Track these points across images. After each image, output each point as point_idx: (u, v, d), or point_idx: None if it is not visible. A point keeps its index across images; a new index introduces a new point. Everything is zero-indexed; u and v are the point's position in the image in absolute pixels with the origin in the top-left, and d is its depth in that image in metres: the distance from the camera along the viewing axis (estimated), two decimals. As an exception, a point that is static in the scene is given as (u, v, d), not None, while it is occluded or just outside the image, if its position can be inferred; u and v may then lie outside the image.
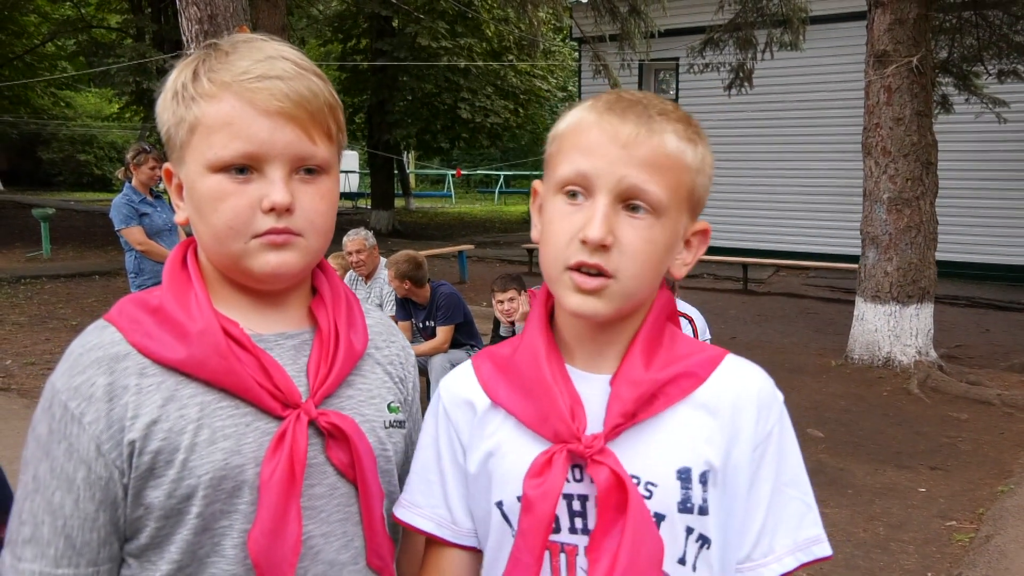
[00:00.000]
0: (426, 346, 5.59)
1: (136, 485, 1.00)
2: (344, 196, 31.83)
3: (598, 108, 1.05)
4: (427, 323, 5.77)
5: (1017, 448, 5.60)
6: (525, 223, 23.72)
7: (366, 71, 19.81)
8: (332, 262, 6.72)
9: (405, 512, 1.17)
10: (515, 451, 1.08)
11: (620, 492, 1.00)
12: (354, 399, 1.12)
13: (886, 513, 4.53)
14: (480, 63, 18.72)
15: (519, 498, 1.05)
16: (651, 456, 1.05)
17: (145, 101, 20.02)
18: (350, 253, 6.31)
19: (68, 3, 21.46)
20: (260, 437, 1.02)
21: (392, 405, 1.17)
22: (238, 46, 1.04)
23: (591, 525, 1.04)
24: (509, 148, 29.49)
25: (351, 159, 33.94)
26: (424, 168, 35.10)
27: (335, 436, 1.06)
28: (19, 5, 18.98)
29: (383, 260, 6.25)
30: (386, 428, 1.15)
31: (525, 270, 13.03)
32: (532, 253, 14.02)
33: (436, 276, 5.89)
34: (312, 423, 1.04)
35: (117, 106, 27.07)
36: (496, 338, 5.56)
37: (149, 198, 6.04)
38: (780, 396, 1.13)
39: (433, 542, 1.17)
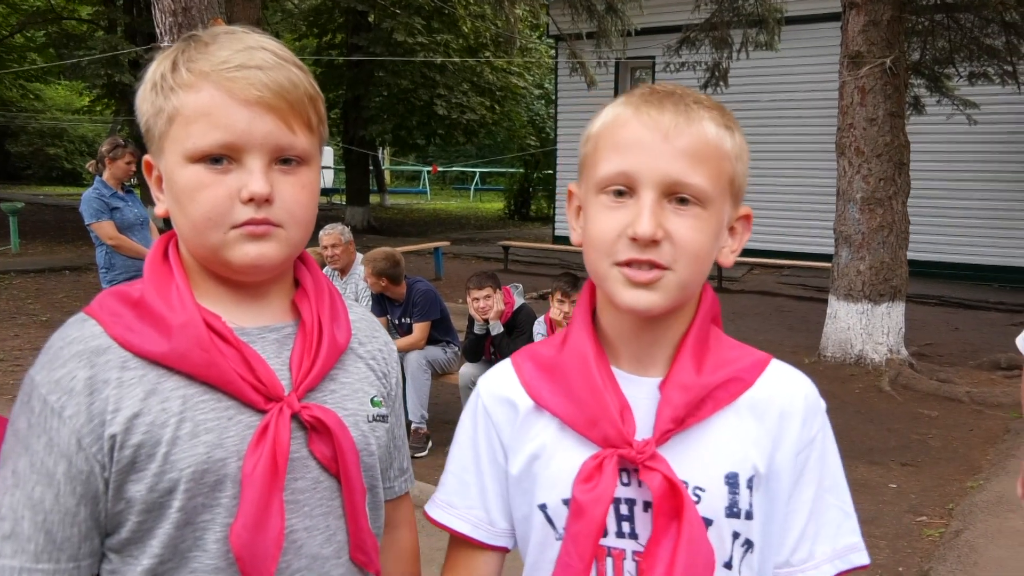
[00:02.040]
0: (402, 342, 5.57)
1: (117, 479, 0.99)
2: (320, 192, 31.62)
3: (633, 102, 1.05)
4: (403, 320, 5.75)
5: (986, 444, 5.68)
6: (501, 220, 23.72)
7: (341, 66, 19.69)
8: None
9: (441, 513, 1.18)
10: (561, 454, 1.08)
11: (674, 498, 1.01)
12: (337, 393, 1.11)
13: (858, 509, 4.52)
14: (456, 59, 18.69)
15: (565, 501, 1.06)
16: (700, 461, 1.05)
17: (117, 94, 19.80)
18: (325, 247, 6.27)
19: (38, -6, 21.16)
20: (243, 430, 1.01)
21: (375, 399, 1.16)
22: (218, 37, 1.03)
23: (638, 529, 1.05)
24: (485, 145, 29.46)
25: (326, 155, 33.74)
26: (400, 164, 35.00)
27: (318, 430, 1.05)
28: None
29: (359, 256, 6.22)
30: (369, 422, 1.14)
31: (501, 267, 13.03)
32: (508, 251, 14.03)
33: (412, 272, 5.87)
34: (295, 416, 1.04)
35: (88, 99, 26.74)
36: (471, 335, 5.55)
37: (120, 192, 5.97)
38: (823, 404, 1.14)
39: (464, 543, 1.17)
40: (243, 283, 1.07)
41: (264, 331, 1.08)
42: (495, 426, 1.14)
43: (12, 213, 14.81)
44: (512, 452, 1.12)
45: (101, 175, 5.92)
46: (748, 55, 10.40)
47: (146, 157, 1.09)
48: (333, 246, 6.21)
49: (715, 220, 1.04)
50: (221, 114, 0.99)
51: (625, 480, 1.04)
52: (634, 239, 1.00)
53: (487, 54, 20.20)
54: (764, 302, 11.37)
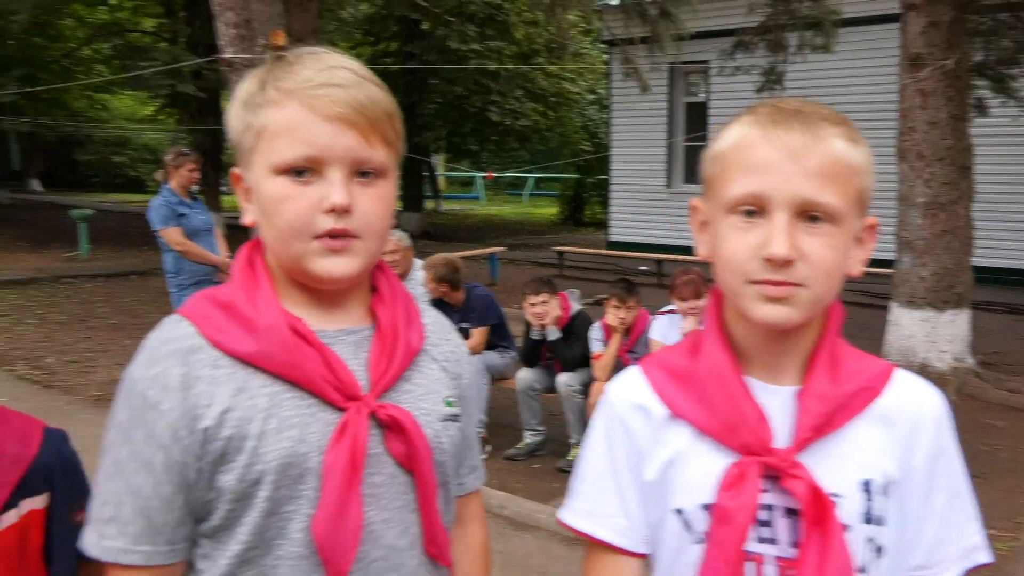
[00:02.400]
0: (459, 348, 5.62)
1: (209, 470, 1.06)
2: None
3: (760, 122, 1.06)
4: (461, 325, 5.81)
5: (1055, 455, 5.54)
6: (555, 226, 23.73)
7: (396, 74, 19.91)
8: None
9: (583, 522, 1.19)
10: (696, 460, 1.11)
11: (820, 505, 1.04)
12: (412, 393, 1.16)
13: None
14: (510, 66, 18.77)
15: (704, 507, 1.09)
16: (836, 469, 1.08)
17: (179, 103, 20.28)
18: (385, 253, 6.37)
19: (104, 7, 21.77)
20: (324, 427, 1.07)
21: (448, 400, 1.21)
22: (302, 57, 1.10)
23: (778, 535, 1.08)
24: (538, 150, 29.51)
25: (380, 161, 34.06)
26: (454, 170, 35.22)
27: (393, 428, 1.10)
28: (57, 10, 19.27)
29: (417, 262, 6.30)
30: (442, 421, 1.19)
31: (556, 273, 13.04)
32: (563, 256, 14.05)
33: (468, 278, 5.93)
34: (372, 415, 1.09)
35: (151, 109, 27.41)
36: (528, 341, 5.59)
37: (186, 199, 6.13)
38: (950, 411, 1.17)
39: (608, 551, 1.18)
40: (323, 289, 1.13)
41: (343, 334, 1.14)
42: (630, 433, 1.16)
43: (82, 220, 15.28)
44: (647, 458, 1.15)
45: (168, 183, 6.09)
46: (804, 58, 10.28)
47: (234, 170, 1.15)
48: (392, 252, 6.29)
49: (845, 235, 1.06)
50: (305, 129, 1.05)
51: (765, 487, 1.07)
52: (768, 260, 1.02)
53: (540, 60, 20.27)
54: (822, 308, 11.20)
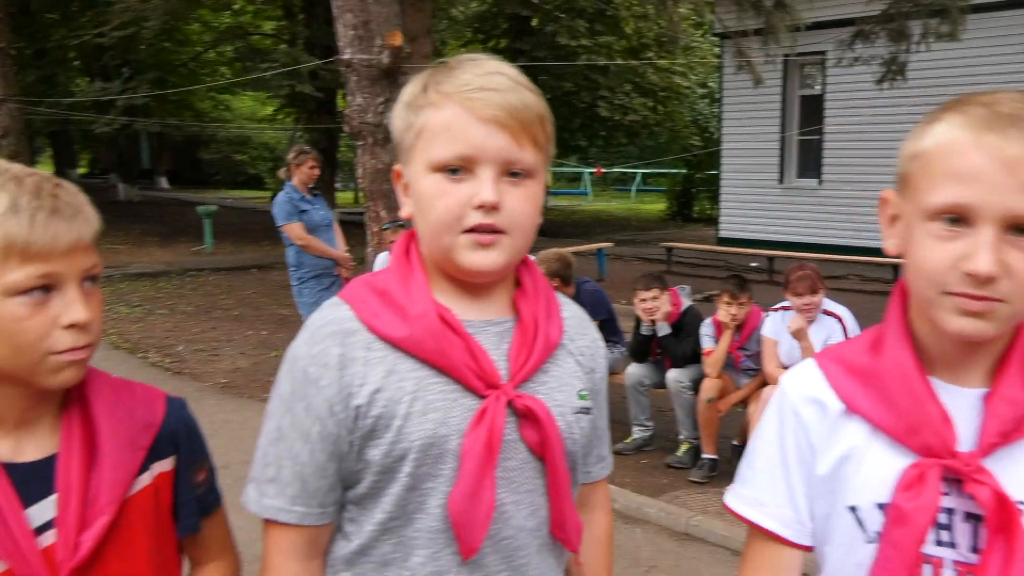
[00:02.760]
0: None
1: (359, 443, 1.15)
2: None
3: (972, 125, 1.00)
4: (570, 319, 5.85)
5: None
6: (663, 222, 23.50)
7: (505, 71, 20.09)
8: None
9: (750, 510, 1.20)
10: (872, 458, 1.10)
11: (1004, 513, 1.02)
12: (548, 385, 1.21)
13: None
14: (619, 61, 18.69)
15: (879, 506, 1.08)
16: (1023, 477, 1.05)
17: (297, 103, 20.98)
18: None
19: (227, 12, 22.72)
20: (464, 412, 1.14)
21: (582, 393, 1.25)
22: (463, 62, 1.17)
23: (957, 539, 1.06)
24: (647, 145, 29.25)
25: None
26: (561, 166, 35.28)
27: (528, 417, 1.16)
28: (185, 16, 20.23)
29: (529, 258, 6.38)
30: (574, 413, 1.23)
31: (664, 269, 12.95)
32: (671, 252, 13.93)
33: (576, 273, 5.98)
34: (509, 403, 1.15)
35: (271, 108, 28.44)
36: (637, 336, 5.59)
37: (308, 196, 6.37)
38: None
39: (771, 540, 1.19)
40: (470, 282, 1.20)
41: (487, 324, 1.20)
42: (803, 425, 1.16)
43: (207, 216, 16.03)
44: (820, 452, 1.14)
45: (290, 180, 6.35)
46: (928, 47, 9.89)
47: (395, 167, 1.24)
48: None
49: None
50: (461, 129, 1.12)
51: (945, 489, 1.06)
52: (971, 275, 0.98)
53: (650, 54, 20.09)
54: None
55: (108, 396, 1.21)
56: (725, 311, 5.14)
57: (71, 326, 1.10)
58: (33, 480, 1.14)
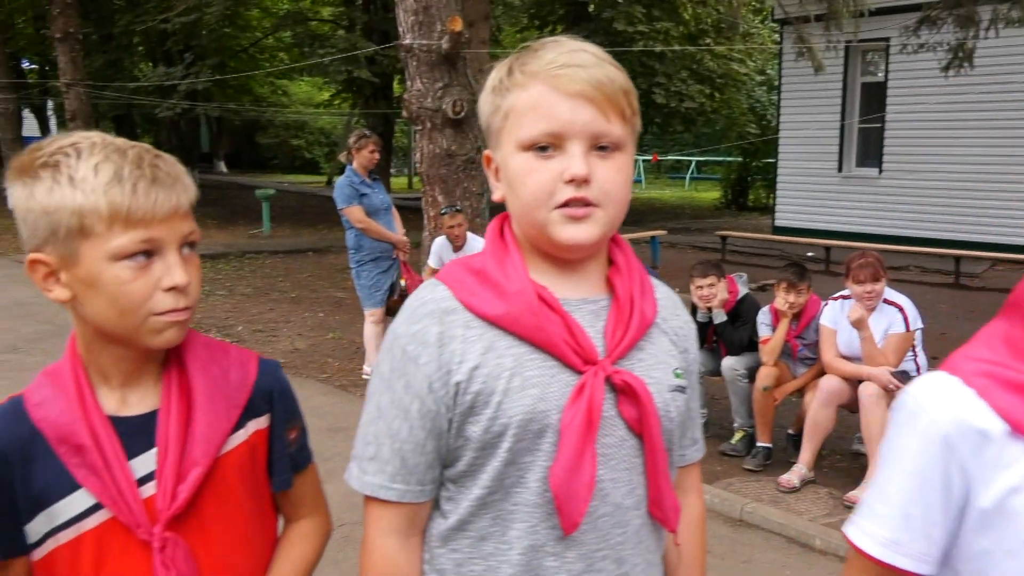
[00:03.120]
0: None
1: (459, 420, 1.17)
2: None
3: None
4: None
5: None
6: (717, 210, 23.27)
7: (561, 57, 20.02)
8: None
9: (883, 551, 1.10)
10: None
11: None
12: (644, 362, 1.22)
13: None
14: (676, 47, 18.51)
15: None
16: None
17: (354, 88, 21.18)
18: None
19: (287, -2, 23.02)
20: (563, 388, 1.16)
21: (677, 371, 1.26)
22: (546, 44, 1.19)
23: None
24: (703, 133, 28.93)
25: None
26: (614, 153, 35.00)
27: (626, 393, 1.18)
28: (246, 1, 20.53)
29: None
30: (670, 391, 1.24)
31: (718, 257, 12.84)
32: (726, 240, 13.81)
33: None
34: (607, 379, 1.17)
35: (328, 94, 28.74)
36: (693, 323, 5.57)
37: (368, 180, 6.45)
38: None
39: (891, 572, 1.11)
40: (566, 259, 1.22)
41: (582, 302, 1.22)
42: (957, 455, 1.03)
43: (265, 199, 16.29)
44: (981, 483, 1.02)
45: (351, 164, 6.44)
46: (998, 33, 9.64)
47: (485, 152, 1.26)
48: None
49: None
50: (547, 106, 1.14)
51: None
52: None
53: (708, 41, 19.86)
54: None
55: (204, 357, 1.27)
56: (783, 299, 5.10)
57: (171, 289, 1.16)
58: (137, 433, 1.21)
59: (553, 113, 1.13)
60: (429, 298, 1.22)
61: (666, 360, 1.26)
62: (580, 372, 1.16)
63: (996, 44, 10.32)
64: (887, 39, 13.53)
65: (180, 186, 1.18)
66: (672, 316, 1.31)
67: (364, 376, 6.74)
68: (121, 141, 1.20)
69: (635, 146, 1.22)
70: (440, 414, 1.17)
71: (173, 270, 1.16)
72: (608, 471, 1.18)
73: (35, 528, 1.19)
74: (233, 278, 11.58)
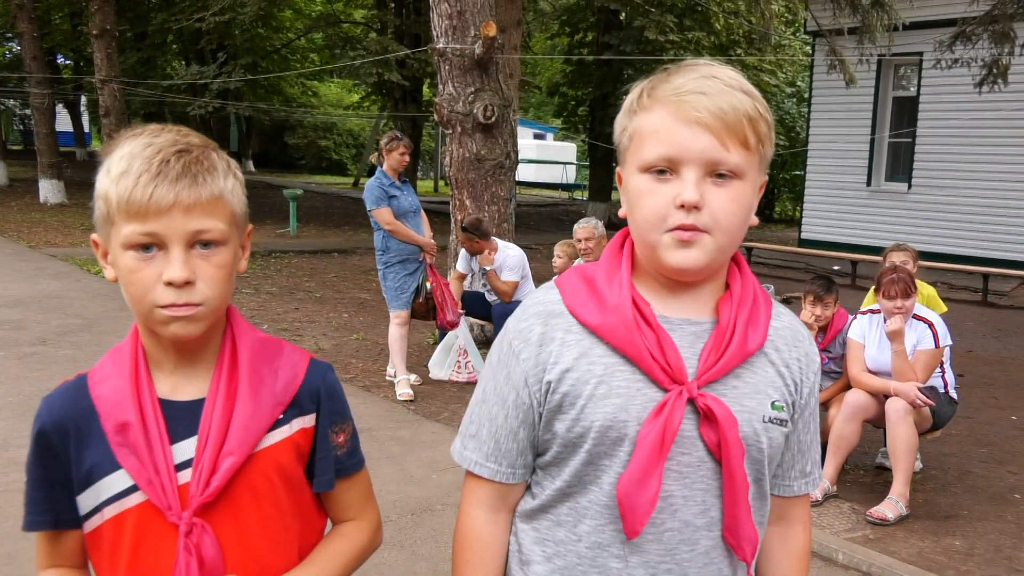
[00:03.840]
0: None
1: (547, 416, 1.25)
2: (560, 187, 32.37)
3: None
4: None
5: None
6: (742, 221, 23.11)
7: (591, 64, 20.07)
8: (560, 249, 6.96)
9: None
10: None
11: None
12: (739, 390, 1.23)
13: None
14: (707, 57, 18.44)
15: None
16: None
17: (383, 91, 21.29)
18: (579, 240, 6.53)
19: (320, 0, 23.19)
20: (646, 402, 1.19)
21: (776, 403, 1.26)
22: (681, 68, 1.21)
23: None
24: (730, 144, 28.75)
25: (568, 151, 34.38)
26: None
27: (708, 417, 1.19)
28: (279, 2, 20.71)
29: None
30: (763, 422, 1.24)
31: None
32: (751, 252, 13.76)
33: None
34: (691, 401, 1.19)
35: (357, 96, 28.90)
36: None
37: (397, 182, 6.47)
38: None
39: None
40: (675, 280, 1.24)
41: (685, 323, 1.24)
42: None
43: (292, 199, 16.41)
44: None
45: (382, 166, 6.47)
46: (1033, 51, 9.56)
47: (617, 169, 1.30)
48: (587, 239, 6.44)
49: None
50: (666, 131, 1.17)
51: None
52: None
53: (739, 51, 19.81)
54: (1037, 320, 10.42)
55: (257, 351, 1.30)
56: (809, 311, 5.08)
57: (169, 283, 1.18)
58: (184, 418, 1.24)
59: (671, 139, 1.16)
60: (541, 300, 1.30)
61: (765, 391, 1.26)
62: (666, 390, 1.19)
63: (1032, 61, 10.23)
64: (920, 54, 13.45)
65: (187, 182, 1.18)
66: (787, 348, 1.30)
67: (388, 378, 6.78)
68: (170, 135, 1.22)
69: (762, 173, 1.23)
70: (532, 407, 1.26)
71: (172, 265, 1.17)
72: (681, 488, 1.21)
73: (85, 502, 1.23)
74: (259, 277, 11.67)
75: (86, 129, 35.43)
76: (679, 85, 1.17)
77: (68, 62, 31.11)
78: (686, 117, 1.15)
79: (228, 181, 1.24)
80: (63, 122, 32.11)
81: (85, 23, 18.45)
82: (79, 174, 23.26)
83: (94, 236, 1.27)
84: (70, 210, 17.97)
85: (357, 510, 1.42)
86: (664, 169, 1.17)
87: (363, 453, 1.43)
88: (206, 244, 1.20)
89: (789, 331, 1.31)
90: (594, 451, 1.21)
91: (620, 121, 1.25)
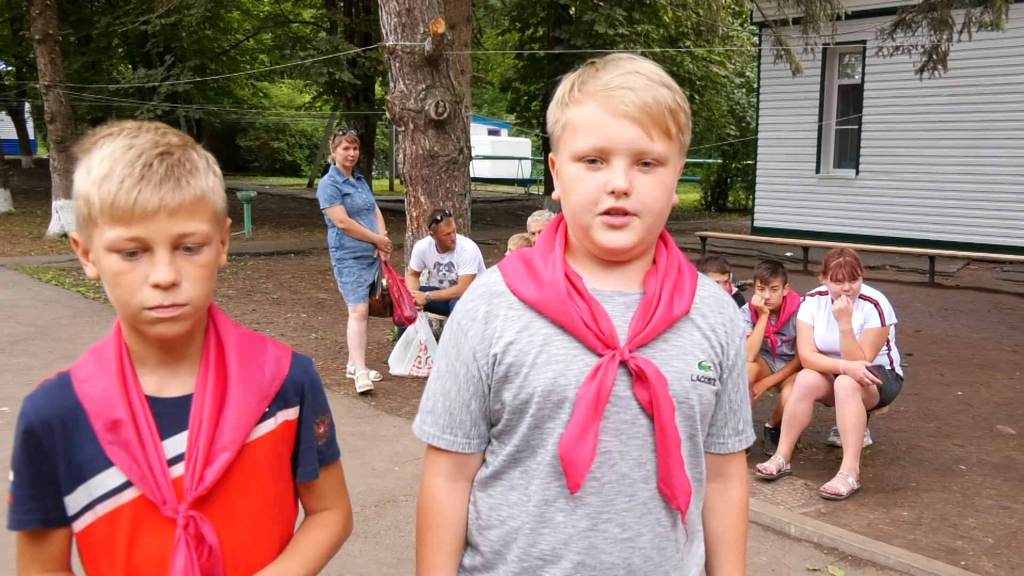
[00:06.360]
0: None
1: (495, 386, 1.36)
2: (516, 182, 32.46)
3: None
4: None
5: None
6: (697, 211, 23.45)
7: (542, 59, 20.15)
8: (513, 243, 7.02)
9: None
10: None
11: None
12: (667, 352, 1.34)
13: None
14: (656, 50, 18.64)
15: None
16: None
17: (335, 91, 21.17)
18: (533, 233, 6.60)
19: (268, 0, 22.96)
20: (582, 367, 1.30)
21: (703, 363, 1.37)
22: (607, 63, 1.32)
23: None
24: (682, 135, 29.00)
25: (523, 146, 34.46)
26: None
27: (640, 377, 1.30)
28: (226, 3, 20.46)
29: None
30: (692, 380, 1.35)
31: (698, 258, 12.95)
32: (706, 241, 13.96)
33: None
34: (623, 363, 1.30)
35: (309, 96, 28.68)
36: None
37: (351, 179, 6.46)
38: None
39: None
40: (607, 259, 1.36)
41: (616, 294, 1.35)
42: None
43: (246, 201, 16.27)
44: None
45: (335, 164, 6.46)
46: (971, 36, 9.81)
47: (551, 155, 1.40)
48: (540, 231, 6.49)
49: None
50: (597, 124, 1.28)
51: None
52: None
53: (687, 43, 20.03)
54: (980, 299, 10.71)
55: (241, 347, 1.33)
56: (758, 296, 5.21)
57: (156, 286, 1.20)
58: (172, 414, 1.27)
59: (602, 131, 1.27)
60: (485, 281, 1.42)
61: (692, 352, 1.36)
62: (600, 355, 1.30)
63: (969, 47, 10.51)
64: (863, 42, 13.73)
65: (170, 185, 1.19)
66: (712, 313, 1.41)
67: (348, 375, 6.78)
68: (149, 135, 1.23)
69: (682, 158, 1.35)
70: (481, 380, 1.37)
71: (158, 268, 1.19)
72: (618, 444, 1.32)
73: (76, 500, 1.25)
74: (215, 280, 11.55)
75: (31, 136, 34.70)
76: (607, 81, 1.28)
77: (10, 68, 30.43)
78: (615, 111, 1.26)
79: (209, 179, 1.26)
80: (7, 130, 31.44)
81: (26, 28, 18.07)
82: (25, 182, 22.81)
83: (74, 234, 1.28)
84: (17, 218, 17.63)
85: (332, 499, 1.47)
86: (595, 159, 1.28)
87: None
88: (190, 248, 1.22)
89: (714, 299, 1.43)
90: (538, 415, 1.32)
91: (553, 112, 1.36)
